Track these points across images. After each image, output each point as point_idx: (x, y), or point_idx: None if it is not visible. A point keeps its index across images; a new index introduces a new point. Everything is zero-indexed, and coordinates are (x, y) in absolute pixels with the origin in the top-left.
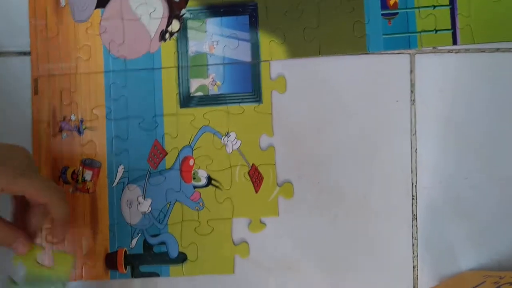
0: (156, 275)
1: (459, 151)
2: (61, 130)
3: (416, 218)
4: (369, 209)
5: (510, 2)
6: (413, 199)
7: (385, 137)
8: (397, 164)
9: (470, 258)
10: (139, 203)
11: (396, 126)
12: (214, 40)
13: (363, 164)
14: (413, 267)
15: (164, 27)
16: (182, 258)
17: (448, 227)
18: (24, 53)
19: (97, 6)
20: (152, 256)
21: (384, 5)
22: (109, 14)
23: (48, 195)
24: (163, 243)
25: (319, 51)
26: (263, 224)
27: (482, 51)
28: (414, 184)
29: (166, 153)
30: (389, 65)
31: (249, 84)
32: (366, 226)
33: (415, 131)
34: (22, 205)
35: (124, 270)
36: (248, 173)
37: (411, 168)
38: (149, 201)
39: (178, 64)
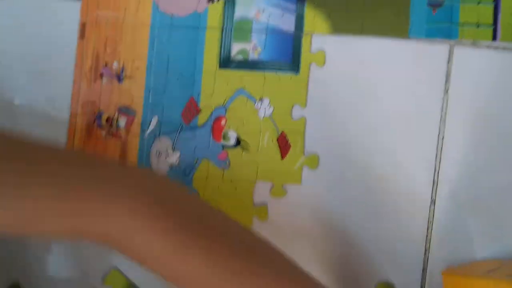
0: None
1: (487, 145)
2: (101, 75)
3: (435, 203)
4: (390, 189)
5: None
6: (433, 184)
7: (415, 121)
8: (423, 148)
9: (485, 250)
10: (167, 154)
11: (427, 112)
12: (261, 7)
13: (390, 144)
14: (425, 250)
15: None
16: None
17: (465, 217)
18: None
19: None
20: None
21: None
22: None
23: None
24: None
25: (362, 30)
26: (284, 190)
27: None
28: (437, 171)
29: (200, 110)
30: (427, 53)
31: (289, 54)
32: (385, 205)
33: (445, 119)
34: None
35: None
36: (277, 139)
37: (436, 154)
38: (177, 153)
39: (223, 26)
